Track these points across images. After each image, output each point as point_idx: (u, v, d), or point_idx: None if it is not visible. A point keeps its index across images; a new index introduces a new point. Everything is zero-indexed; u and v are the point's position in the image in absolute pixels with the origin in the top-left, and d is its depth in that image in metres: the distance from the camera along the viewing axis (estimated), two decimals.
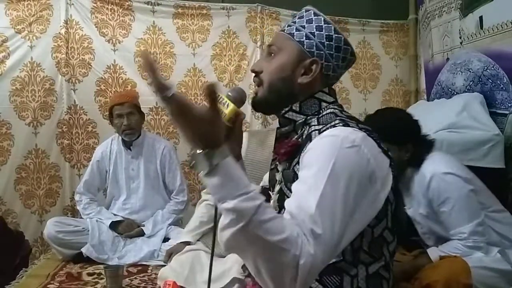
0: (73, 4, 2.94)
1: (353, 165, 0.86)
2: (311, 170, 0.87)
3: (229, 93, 1.02)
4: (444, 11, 2.76)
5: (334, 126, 0.92)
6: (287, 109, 1.02)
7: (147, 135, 2.74)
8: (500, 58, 2.22)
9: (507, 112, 2.19)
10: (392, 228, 0.95)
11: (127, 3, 3.05)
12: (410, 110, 2.87)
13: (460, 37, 2.58)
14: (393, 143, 1.62)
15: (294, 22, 1.05)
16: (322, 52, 1.01)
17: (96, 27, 3.00)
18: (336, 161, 0.84)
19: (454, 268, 1.45)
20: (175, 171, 2.66)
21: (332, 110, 1.00)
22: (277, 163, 1.03)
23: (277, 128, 1.07)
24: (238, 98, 1.01)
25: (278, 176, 1.01)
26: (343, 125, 0.91)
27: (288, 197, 0.95)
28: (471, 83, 2.45)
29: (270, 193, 1.05)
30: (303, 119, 1.01)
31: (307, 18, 1.04)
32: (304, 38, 1.02)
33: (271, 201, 1.02)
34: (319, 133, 0.93)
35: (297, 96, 1.02)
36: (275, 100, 1.02)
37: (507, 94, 2.19)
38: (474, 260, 1.51)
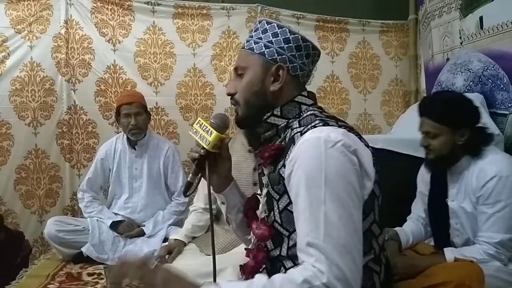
0: (73, 4, 2.94)
1: (343, 167, 0.89)
2: (302, 193, 0.90)
3: (212, 120, 1.08)
4: (444, 11, 2.76)
5: (314, 126, 0.95)
6: (269, 114, 1.05)
7: (153, 136, 2.74)
8: (500, 58, 2.23)
9: (507, 112, 2.19)
10: (379, 221, 0.98)
11: (127, 3, 3.05)
12: (409, 111, 2.89)
13: (460, 37, 2.58)
14: (448, 124, 1.59)
15: (252, 37, 1.09)
16: (284, 56, 1.04)
17: (96, 27, 3.00)
18: (326, 171, 0.88)
19: (467, 272, 1.39)
20: (178, 173, 2.66)
21: (312, 112, 1.03)
22: (263, 167, 1.06)
23: (261, 134, 1.09)
24: (221, 124, 1.07)
25: (265, 180, 1.04)
26: (323, 125, 0.95)
27: (275, 199, 1.00)
28: (471, 83, 2.45)
29: (259, 197, 1.08)
30: (285, 123, 1.05)
31: (262, 29, 1.07)
32: (264, 48, 1.05)
33: (260, 205, 1.06)
34: (301, 134, 0.96)
35: (274, 104, 1.06)
36: (255, 113, 1.07)
37: (507, 94, 2.20)
38: (489, 268, 1.46)
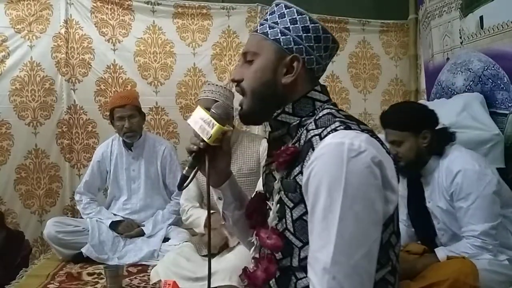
0: (73, 3, 2.94)
1: (365, 182, 0.81)
2: (318, 205, 0.82)
3: (213, 110, 0.98)
4: (444, 11, 2.76)
5: (335, 129, 0.86)
6: (279, 111, 0.96)
7: (148, 136, 2.73)
8: (500, 58, 2.22)
9: (507, 112, 2.19)
10: (397, 230, 0.92)
11: (127, 3, 3.05)
12: None
13: (460, 37, 2.58)
14: (408, 130, 1.69)
15: (266, 20, 0.98)
16: (301, 46, 0.94)
17: (96, 26, 3.00)
18: (346, 185, 0.80)
19: (461, 269, 1.44)
20: (176, 172, 2.66)
21: (328, 110, 0.94)
22: (275, 171, 0.97)
23: (269, 132, 1.02)
24: (223, 115, 0.97)
25: (277, 186, 0.95)
26: (345, 128, 0.86)
27: (289, 207, 0.92)
28: (471, 83, 2.45)
29: (269, 203, 0.99)
30: (298, 121, 0.95)
31: (279, 13, 0.97)
32: (280, 35, 0.95)
33: (271, 212, 0.96)
34: (320, 138, 0.87)
35: (284, 98, 0.96)
36: (262, 108, 0.97)
37: (507, 94, 2.19)
38: (482, 262, 1.50)
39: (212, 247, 1.76)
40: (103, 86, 3.02)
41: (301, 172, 0.88)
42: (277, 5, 0.99)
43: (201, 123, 0.96)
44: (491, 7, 2.28)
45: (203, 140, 0.96)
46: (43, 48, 2.88)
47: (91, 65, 2.99)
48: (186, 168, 0.99)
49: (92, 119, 3.00)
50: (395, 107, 1.82)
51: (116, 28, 3.05)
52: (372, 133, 0.89)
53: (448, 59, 2.73)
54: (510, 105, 2.18)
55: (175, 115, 3.15)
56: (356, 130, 0.86)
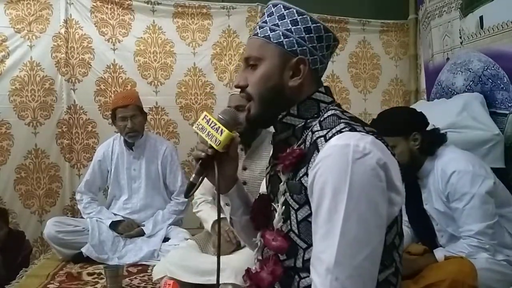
0: (72, 3, 2.94)
1: (370, 184, 0.81)
2: (323, 206, 0.83)
3: (221, 116, 0.97)
4: (444, 11, 2.75)
5: (340, 131, 0.86)
6: (284, 113, 0.96)
7: (149, 136, 2.73)
8: (500, 58, 2.22)
9: (507, 112, 2.19)
10: (401, 232, 0.92)
11: (127, 3, 3.05)
12: None
13: (460, 37, 2.58)
14: (398, 134, 1.70)
15: (265, 22, 0.97)
16: (305, 47, 0.94)
17: (96, 26, 3.00)
18: (351, 186, 0.80)
19: (460, 269, 1.44)
20: (176, 172, 2.66)
21: (333, 111, 0.94)
22: (281, 173, 0.96)
23: (273, 134, 1.01)
24: (231, 121, 0.96)
25: (282, 187, 0.94)
26: (350, 130, 0.86)
27: (294, 209, 0.92)
28: (471, 83, 2.45)
29: (274, 205, 0.98)
30: (303, 123, 0.95)
31: (278, 14, 0.95)
32: (282, 37, 0.94)
33: (276, 214, 0.95)
34: (326, 140, 0.87)
35: (291, 101, 0.96)
36: (271, 112, 0.97)
37: (507, 94, 2.19)
38: (480, 262, 1.51)
39: (221, 252, 1.79)
40: (103, 86, 3.02)
41: (306, 174, 0.88)
42: (274, 5, 0.97)
43: (209, 129, 0.95)
44: (491, 7, 2.28)
45: (211, 147, 0.95)
46: (43, 48, 2.88)
47: (91, 65, 2.99)
48: (193, 175, 0.98)
49: (92, 119, 3.00)
50: (383, 114, 1.84)
51: (116, 28, 3.05)
52: (377, 135, 0.89)
53: (448, 59, 2.73)
54: (510, 105, 2.18)
55: (175, 115, 3.14)
56: (362, 132, 0.86)
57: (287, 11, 0.95)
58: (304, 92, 0.96)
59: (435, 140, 1.74)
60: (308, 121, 0.95)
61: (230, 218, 1.11)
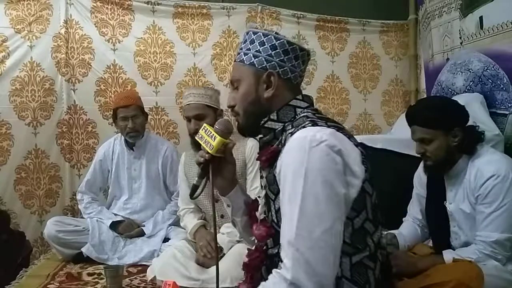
0: (73, 3, 2.94)
1: (325, 167, 0.92)
2: (284, 189, 0.96)
3: (216, 126, 1.13)
4: (444, 11, 2.76)
5: (303, 126, 0.99)
6: (265, 119, 1.10)
7: (150, 136, 2.74)
8: (500, 58, 2.22)
9: (507, 112, 2.19)
10: (373, 219, 0.99)
11: (127, 3, 3.05)
12: None
13: (460, 37, 2.58)
14: (439, 128, 1.60)
15: (241, 49, 1.14)
16: (273, 62, 1.08)
17: (96, 26, 3.00)
18: (307, 169, 0.92)
19: (467, 272, 1.41)
20: (177, 172, 2.66)
21: (305, 114, 1.06)
22: (262, 169, 1.11)
23: (260, 138, 1.14)
24: (225, 130, 1.12)
25: (263, 182, 1.09)
26: (312, 125, 0.98)
27: (272, 200, 1.05)
28: (471, 83, 2.45)
29: (259, 199, 1.14)
30: (281, 126, 1.08)
31: (249, 40, 1.12)
32: (253, 58, 1.09)
33: (259, 207, 1.12)
34: (291, 135, 0.99)
35: (270, 109, 1.10)
36: (254, 121, 1.11)
37: (507, 94, 2.20)
38: (489, 268, 1.47)
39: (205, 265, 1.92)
40: (103, 86, 3.02)
41: (276, 166, 1.02)
42: (247, 33, 1.14)
43: (206, 137, 1.12)
44: (491, 7, 2.28)
45: (207, 152, 1.11)
46: (43, 48, 2.88)
47: (91, 65, 2.99)
48: (196, 178, 1.14)
49: (92, 119, 3.00)
50: (425, 103, 1.73)
51: (116, 28, 3.05)
52: (339, 129, 1.00)
53: (448, 59, 2.73)
54: (510, 105, 2.18)
55: (175, 115, 3.14)
56: (322, 126, 0.99)
57: (255, 35, 1.11)
58: (279, 100, 1.09)
59: (474, 138, 1.64)
60: (286, 124, 1.08)
61: (233, 218, 1.23)
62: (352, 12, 3.43)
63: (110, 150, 2.67)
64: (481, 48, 2.37)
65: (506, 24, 2.16)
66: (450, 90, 2.64)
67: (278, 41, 1.08)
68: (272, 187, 1.04)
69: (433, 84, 2.87)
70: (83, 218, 2.60)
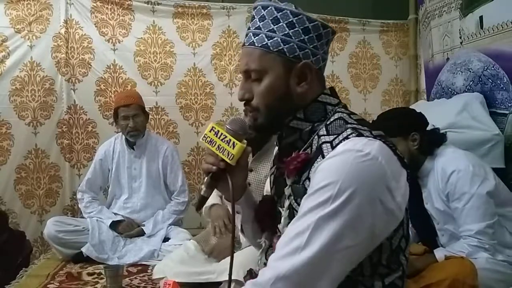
0: (73, 3, 2.94)
1: (365, 176, 0.77)
2: (307, 202, 0.80)
3: (229, 127, 0.93)
4: (444, 11, 2.76)
5: (347, 137, 0.83)
6: (291, 118, 0.92)
7: (151, 135, 2.74)
8: (500, 58, 2.22)
9: (507, 112, 2.19)
10: (407, 234, 0.90)
11: (127, 3, 3.05)
12: None
13: (460, 37, 2.58)
14: (398, 135, 1.71)
15: (259, 28, 0.91)
16: (307, 50, 0.89)
17: (96, 26, 3.00)
18: (340, 187, 0.76)
19: (460, 269, 1.45)
20: (177, 172, 2.67)
21: (339, 114, 0.90)
22: (285, 176, 0.93)
23: (279, 138, 0.98)
24: (241, 132, 0.92)
25: (287, 191, 0.92)
26: (357, 135, 0.82)
27: (297, 212, 0.89)
28: (471, 83, 2.45)
29: (280, 209, 0.96)
30: (310, 127, 0.91)
31: (272, 18, 0.90)
32: (282, 44, 0.89)
33: (282, 218, 0.93)
34: (332, 147, 0.84)
35: (299, 106, 0.93)
36: (279, 119, 0.93)
37: (507, 94, 2.19)
38: (480, 261, 1.51)
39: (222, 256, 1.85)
40: (103, 86, 3.02)
41: (308, 178, 0.86)
42: (264, 8, 0.91)
43: (219, 142, 0.91)
44: (491, 7, 2.28)
45: (222, 160, 0.92)
46: (43, 48, 2.88)
47: (91, 65, 3.00)
48: (204, 188, 0.95)
49: (92, 119, 3.00)
50: (382, 116, 1.85)
51: (116, 28, 3.05)
52: (385, 139, 0.85)
53: (448, 59, 2.73)
54: (510, 105, 2.18)
55: (175, 115, 3.15)
56: (369, 137, 0.83)
57: (280, 13, 0.89)
58: (310, 95, 0.93)
59: (434, 140, 1.75)
60: (315, 124, 0.91)
61: (241, 225, 1.09)
62: (352, 12, 3.43)
63: (111, 149, 2.67)
64: (481, 47, 2.37)
65: (506, 24, 2.16)
66: (450, 89, 2.64)
67: (312, 24, 0.89)
68: (300, 200, 0.85)
69: (433, 84, 2.87)
70: (83, 217, 2.60)
